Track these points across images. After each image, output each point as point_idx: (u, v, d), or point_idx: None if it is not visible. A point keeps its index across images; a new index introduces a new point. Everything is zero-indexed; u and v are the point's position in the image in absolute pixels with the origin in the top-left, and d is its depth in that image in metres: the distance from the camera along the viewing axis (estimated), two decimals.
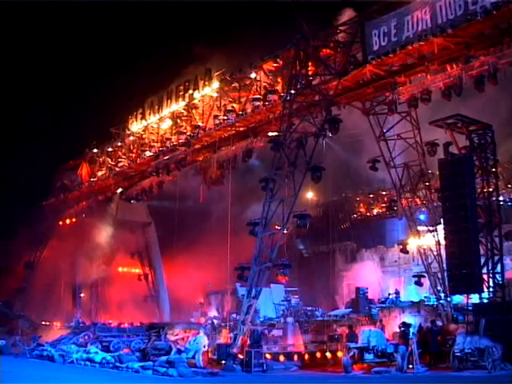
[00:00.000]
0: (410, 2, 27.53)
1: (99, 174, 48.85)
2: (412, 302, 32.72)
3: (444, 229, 28.09)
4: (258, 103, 34.49)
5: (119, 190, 49.17)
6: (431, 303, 30.71)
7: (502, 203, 32.07)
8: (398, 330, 27.23)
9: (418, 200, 32.22)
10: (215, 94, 37.85)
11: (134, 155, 45.04)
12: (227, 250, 30.44)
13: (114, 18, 52.99)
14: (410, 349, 24.47)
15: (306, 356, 28.96)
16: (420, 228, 31.54)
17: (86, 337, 35.68)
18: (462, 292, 27.95)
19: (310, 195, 44.35)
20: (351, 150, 40.68)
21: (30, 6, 48.89)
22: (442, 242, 29.04)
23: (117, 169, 46.61)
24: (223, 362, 27.69)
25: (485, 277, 27.04)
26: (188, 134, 39.55)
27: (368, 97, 31.19)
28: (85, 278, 50.91)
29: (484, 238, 27.63)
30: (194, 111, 39.56)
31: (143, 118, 43.44)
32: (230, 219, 31.44)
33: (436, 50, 27.09)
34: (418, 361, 24.42)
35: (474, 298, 27.53)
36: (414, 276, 32.43)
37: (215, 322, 35.19)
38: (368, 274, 41.83)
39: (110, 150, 48.01)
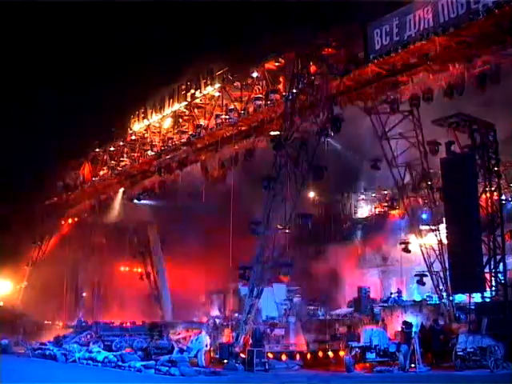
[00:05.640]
0: (412, 1, 27.53)
1: (101, 173, 48.90)
2: (414, 301, 32.71)
3: (446, 228, 28.06)
4: (259, 102, 34.55)
5: (121, 190, 49.23)
6: (433, 302, 30.68)
7: (504, 202, 32.01)
8: (400, 329, 27.23)
9: (420, 199, 32.15)
10: (217, 94, 37.88)
11: (136, 154, 45.10)
12: (229, 249, 30.45)
13: (115, 17, 53.02)
14: (412, 348, 24.46)
15: (308, 355, 29.01)
16: (422, 227, 31.45)
17: (89, 336, 35.81)
18: (464, 291, 27.94)
19: (311, 194, 44.30)
20: (353, 149, 40.66)
21: (31, 6, 48.95)
22: (445, 241, 28.99)
23: (119, 168, 46.68)
24: (225, 361, 27.75)
25: (487, 276, 26.97)
26: (190, 133, 39.63)
27: (370, 96, 31.11)
28: (87, 277, 51.04)
29: (486, 237, 27.58)
30: (195, 110, 39.62)
31: (145, 117, 43.47)
32: (232, 218, 31.43)
33: (438, 49, 27.08)
34: (420, 360, 24.42)
35: (477, 297, 27.50)
36: (416, 275, 32.36)
37: (217, 321, 35.24)
38: (370, 274, 41.80)
39: (112, 149, 48.10)
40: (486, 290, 26.83)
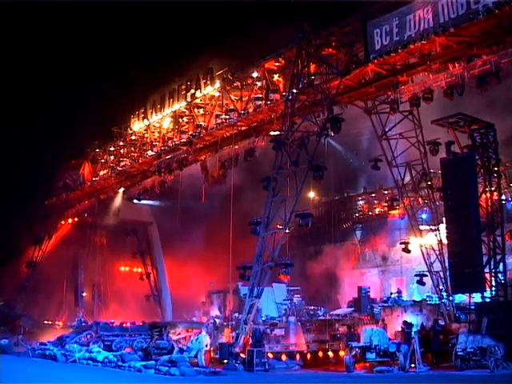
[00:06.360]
0: (412, 1, 27.54)
1: (101, 173, 48.95)
2: (414, 301, 32.72)
3: (446, 228, 28.01)
4: (259, 102, 34.57)
5: (121, 190, 49.26)
6: (433, 302, 30.69)
7: (504, 202, 32.02)
8: (400, 329, 27.24)
9: (420, 199, 32.18)
10: (217, 94, 37.90)
11: (136, 154, 45.14)
12: (229, 249, 30.43)
13: (116, 17, 52.99)
14: (412, 348, 24.46)
15: (308, 355, 29.00)
16: (422, 227, 31.48)
17: (89, 336, 35.76)
18: (464, 291, 27.92)
19: (311, 194, 44.32)
20: (353, 149, 40.71)
21: (31, 6, 48.94)
22: (444, 241, 28.98)
23: (119, 168, 46.72)
24: (225, 361, 27.73)
25: (487, 276, 26.98)
26: (190, 133, 39.63)
27: (370, 96, 31.16)
28: (87, 277, 51.04)
29: (486, 237, 27.59)
30: (195, 110, 39.62)
31: (145, 117, 43.49)
32: (233, 218, 31.42)
33: (438, 49, 27.12)
34: (420, 360, 24.39)
35: (477, 297, 27.50)
36: (416, 275, 32.37)
37: (217, 321, 35.24)
38: (370, 274, 41.82)
39: (112, 149, 48.14)
40: (486, 290, 26.82)
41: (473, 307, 26.91)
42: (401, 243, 34.09)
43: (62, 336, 37.32)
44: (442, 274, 29.51)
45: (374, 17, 28.88)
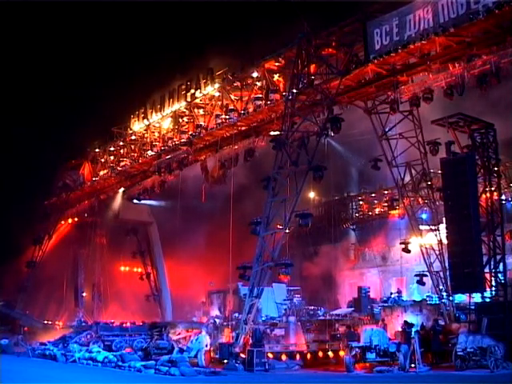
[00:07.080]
0: (412, 1, 27.55)
1: (101, 173, 48.92)
2: (414, 301, 32.71)
3: (446, 228, 28.03)
4: (259, 102, 34.56)
5: (121, 190, 49.25)
6: (433, 302, 30.67)
7: (504, 202, 32.02)
8: (400, 329, 27.23)
9: (420, 199, 32.17)
10: (217, 94, 37.89)
11: (135, 154, 45.12)
12: (229, 249, 30.44)
13: (116, 17, 53.02)
14: (412, 348, 24.46)
15: (308, 355, 29.02)
16: (422, 227, 31.45)
17: (89, 336, 35.77)
18: (464, 291, 27.93)
19: (311, 194, 44.33)
20: (353, 149, 40.71)
21: (33, 6, 48.98)
22: (444, 241, 28.98)
23: (119, 168, 46.68)
24: (225, 361, 27.75)
25: (487, 276, 27.00)
26: (190, 133, 39.62)
27: (370, 96, 31.16)
28: (87, 277, 51.06)
29: (486, 237, 27.59)
30: (195, 110, 39.62)
31: (145, 117, 43.46)
32: (232, 218, 31.43)
33: (438, 49, 27.13)
34: (420, 360, 24.40)
35: (477, 297, 27.51)
36: (416, 275, 32.37)
37: (217, 321, 35.24)
38: (370, 274, 41.82)
39: (111, 149, 48.11)
40: (485, 290, 26.84)
41: (473, 307, 26.92)
42: (401, 243, 34.06)
43: (64, 336, 37.33)
44: (441, 273, 29.49)
45: (374, 17, 28.89)
